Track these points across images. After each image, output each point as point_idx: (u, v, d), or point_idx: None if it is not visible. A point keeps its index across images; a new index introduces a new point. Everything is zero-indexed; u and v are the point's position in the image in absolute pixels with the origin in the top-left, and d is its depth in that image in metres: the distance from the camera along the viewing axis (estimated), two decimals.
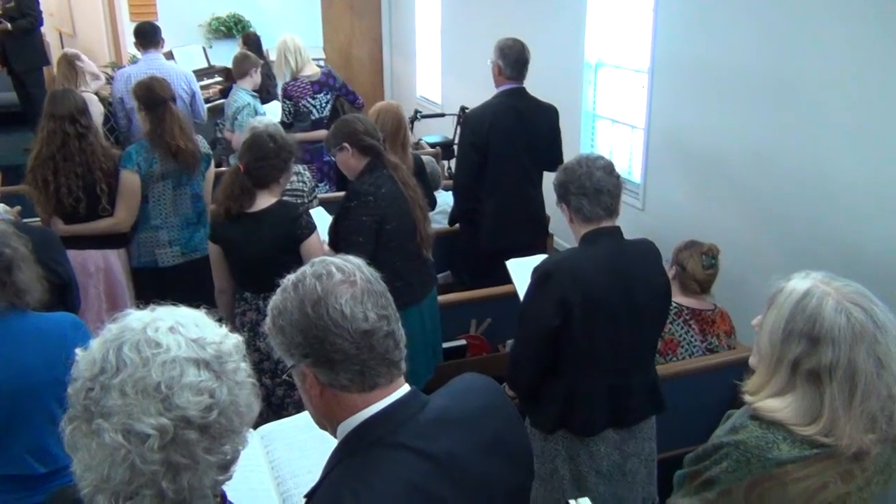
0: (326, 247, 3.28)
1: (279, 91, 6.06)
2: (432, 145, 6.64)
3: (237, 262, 3.11)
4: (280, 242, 3.03)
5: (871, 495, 1.48)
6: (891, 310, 1.48)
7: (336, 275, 1.31)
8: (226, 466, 1.16)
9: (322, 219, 3.88)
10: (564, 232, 5.00)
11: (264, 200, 3.08)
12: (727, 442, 1.51)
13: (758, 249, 4.12)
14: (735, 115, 4.28)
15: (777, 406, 1.47)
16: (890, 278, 3.30)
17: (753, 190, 4.21)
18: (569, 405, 2.54)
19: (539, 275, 2.50)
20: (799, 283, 1.51)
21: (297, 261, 2.95)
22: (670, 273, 3.35)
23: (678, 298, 3.36)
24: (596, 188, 2.47)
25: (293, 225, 3.06)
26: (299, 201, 4.21)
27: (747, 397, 1.54)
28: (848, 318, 1.42)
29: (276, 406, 3.13)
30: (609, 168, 2.52)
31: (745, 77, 4.16)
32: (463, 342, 4.06)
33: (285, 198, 4.14)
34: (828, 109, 3.66)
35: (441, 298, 3.84)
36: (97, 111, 5.15)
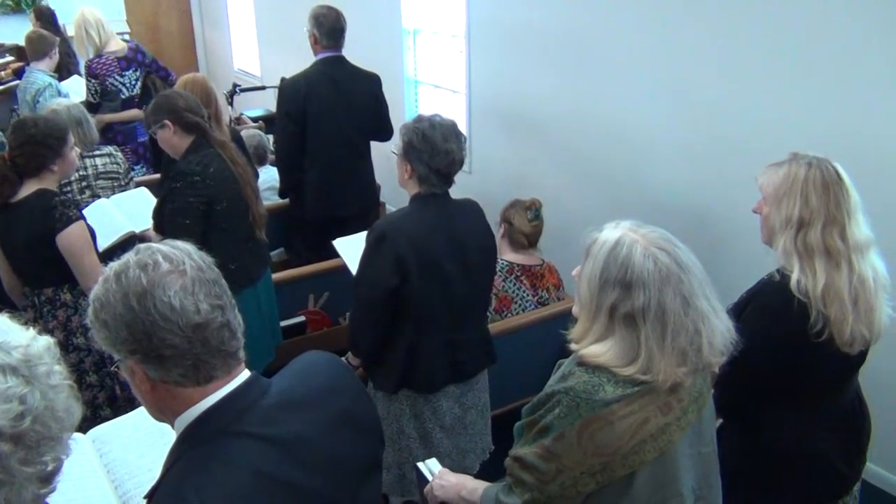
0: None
1: (82, 69, 5.63)
2: (255, 119, 6.43)
3: (6, 255, 2.93)
4: (35, 235, 2.82)
5: (687, 423, 1.60)
6: (692, 250, 1.60)
7: (163, 264, 1.23)
8: (47, 478, 1.08)
9: (146, 201, 3.71)
10: (396, 200, 5.04)
11: (29, 189, 2.87)
12: (558, 389, 1.59)
13: (578, 203, 4.34)
14: (548, 77, 4.46)
15: (599, 351, 1.56)
16: (690, 220, 3.61)
17: (570, 147, 4.42)
18: (410, 364, 2.60)
19: (374, 237, 2.52)
20: (610, 233, 1.60)
21: (60, 255, 2.80)
22: (500, 232, 3.49)
23: (508, 256, 3.50)
24: (449, 169, 2.51)
25: (44, 217, 2.82)
26: (115, 184, 3.97)
27: (573, 345, 1.62)
28: (655, 263, 1.52)
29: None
30: (462, 143, 2.54)
31: (556, 40, 4.34)
32: (302, 318, 4.02)
33: (101, 181, 3.92)
34: (630, 69, 3.89)
35: (276, 276, 3.77)
36: None
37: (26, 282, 2.96)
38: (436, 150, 2.46)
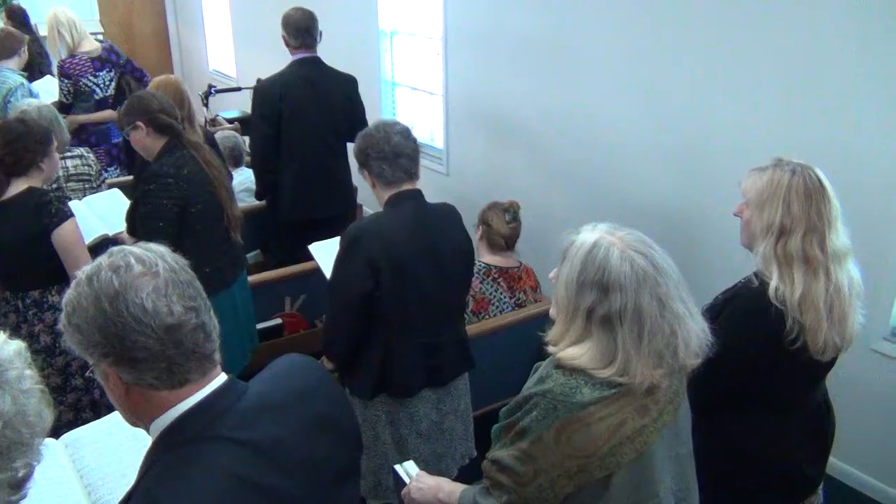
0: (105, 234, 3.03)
1: (54, 69, 5.56)
2: (230, 120, 6.39)
3: None
4: (27, 233, 2.79)
5: (663, 424, 1.61)
6: (668, 253, 1.60)
7: (135, 266, 1.21)
8: (18, 485, 1.07)
9: (119, 203, 3.66)
10: (373, 203, 5.03)
11: (18, 189, 2.84)
12: (536, 392, 1.59)
13: (555, 205, 4.36)
14: (525, 79, 4.47)
15: (577, 353, 1.57)
16: (667, 223, 3.63)
17: (547, 150, 4.44)
18: (386, 368, 2.59)
19: (347, 240, 2.51)
20: (587, 236, 1.60)
21: (52, 253, 2.77)
22: (477, 234, 3.49)
23: (486, 258, 3.50)
24: (395, 152, 2.52)
25: (39, 213, 2.80)
26: (86, 186, 3.92)
27: (550, 347, 1.62)
28: (632, 265, 1.53)
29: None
30: (406, 132, 2.58)
31: (531, 43, 4.35)
32: (279, 321, 3.99)
33: (71, 183, 3.88)
34: (608, 72, 3.92)
35: (252, 278, 3.74)
36: None
37: (8, 285, 2.89)
38: (372, 140, 2.54)
